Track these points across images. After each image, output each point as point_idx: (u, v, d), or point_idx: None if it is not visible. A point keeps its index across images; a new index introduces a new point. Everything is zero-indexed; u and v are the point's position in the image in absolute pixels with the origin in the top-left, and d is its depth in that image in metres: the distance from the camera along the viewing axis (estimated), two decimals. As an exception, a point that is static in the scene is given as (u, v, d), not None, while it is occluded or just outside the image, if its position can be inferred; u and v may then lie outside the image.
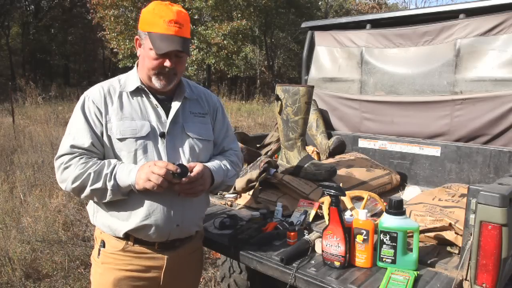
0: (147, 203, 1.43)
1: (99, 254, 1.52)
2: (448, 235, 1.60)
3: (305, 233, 1.69)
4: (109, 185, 1.38)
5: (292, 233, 1.66)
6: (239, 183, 2.16)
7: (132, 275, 1.49)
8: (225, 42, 15.45)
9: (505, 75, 2.40)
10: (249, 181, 2.14)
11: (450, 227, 1.59)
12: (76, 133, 1.43)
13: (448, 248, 1.60)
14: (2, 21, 24.18)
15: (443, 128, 2.67)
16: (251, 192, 2.17)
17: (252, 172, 2.16)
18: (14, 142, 7.25)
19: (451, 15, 2.64)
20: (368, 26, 3.06)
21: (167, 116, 1.51)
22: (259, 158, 2.35)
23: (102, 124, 1.44)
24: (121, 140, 1.43)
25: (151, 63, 1.44)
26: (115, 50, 16.09)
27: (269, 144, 2.81)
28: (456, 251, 1.57)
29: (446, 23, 2.63)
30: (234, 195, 2.24)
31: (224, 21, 16.21)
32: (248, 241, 1.65)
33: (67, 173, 1.40)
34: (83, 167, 1.38)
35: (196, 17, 16.74)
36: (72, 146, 1.41)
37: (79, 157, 1.40)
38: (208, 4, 15.48)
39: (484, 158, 2.45)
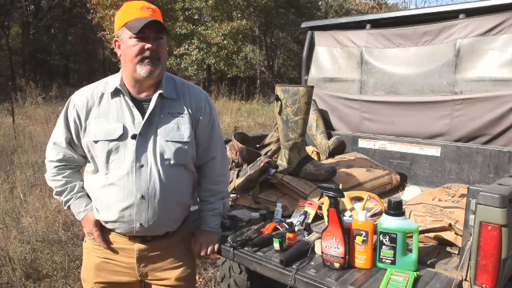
0: (115, 200, 1.51)
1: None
2: (448, 235, 1.60)
3: (304, 234, 1.69)
4: (64, 205, 1.65)
5: (291, 234, 1.65)
6: (239, 183, 2.16)
7: (108, 261, 1.62)
8: (225, 42, 15.45)
9: (505, 75, 2.40)
10: (249, 181, 2.14)
11: (450, 227, 1.59)
12: (56, 131, 1.61)
13: (448, 249, 1.60)
14: (2, 21, 24.16)
15: (443, 128, 2.66)
16: (251, 192, 2.16)
17: (252, 172, 2.16)
18: (14, 142, 7.24)
19: (451, 15, 2.64)
20: (368, 26, 3.06)
21: (143, 117, 1.52)
22: (259, 158, 2.35)
23: (80, 129, 1.56)
24: (96, 142, 1.51)
25: (132, 51, 1.47)
26: (115, 50, 16.04)
27: (269, 144, 2.80)
28: (456, 252, 1.57)
29: (446, 23, 2.63)
30: (234, 195, 2.23)
31: (224, 21, 16.21)
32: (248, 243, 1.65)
33: (47, 166, 1.64)
34: (52, 176, 1.62)
35: (196, 17, 16.75)
36: (55, 144, 1.61)
37: (55, 163, 1.60)
38: (208, 4, 15.49)
39: (484, 158, 2.44)
